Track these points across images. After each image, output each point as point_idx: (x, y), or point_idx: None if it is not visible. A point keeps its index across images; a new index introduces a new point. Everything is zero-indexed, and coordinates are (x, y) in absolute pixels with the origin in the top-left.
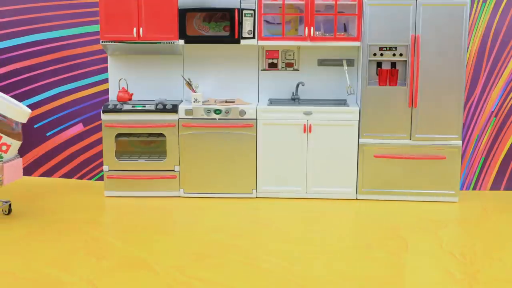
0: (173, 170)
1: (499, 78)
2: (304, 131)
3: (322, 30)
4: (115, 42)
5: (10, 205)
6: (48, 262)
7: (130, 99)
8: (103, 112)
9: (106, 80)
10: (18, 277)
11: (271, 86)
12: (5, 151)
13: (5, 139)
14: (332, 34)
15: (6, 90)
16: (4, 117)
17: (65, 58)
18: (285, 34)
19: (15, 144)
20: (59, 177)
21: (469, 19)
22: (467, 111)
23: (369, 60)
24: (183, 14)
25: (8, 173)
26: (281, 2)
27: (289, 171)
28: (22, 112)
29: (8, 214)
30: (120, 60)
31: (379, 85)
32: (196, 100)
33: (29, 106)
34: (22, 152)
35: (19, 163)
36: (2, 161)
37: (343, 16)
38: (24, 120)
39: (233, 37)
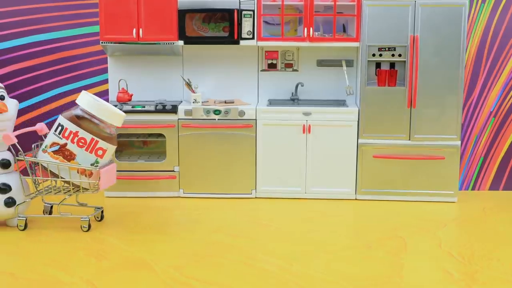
0: (173, 171)
1: (498, 79)
2: (304, 132)
3: (321, 31)
4: (115, 43)
5: (102, 211)
6: (48, 262)
7: (130, 100)
8: None
9: (106, 81)
10: (18, 277)
11: (271, 86)
12: (101, 156)
13: (101, 143)
14: (331, 34)
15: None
16: (101, 121)
17: (65, 59)
18: (284, 35)
19: (111, 148)
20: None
21: (468, 20)
22: (466, 112)
23: (368, 61)
24: (183, 15)
25: (104, 178)
26: (280, 2)
27: (289, 172)
28: (118, 115)
29: (100, 220)
30: (120, 61)
31: (378, 85)
32: (195, 101)
33: (29, 106)
34: None
35: (114, 168)
36: (97, 166)
37: (342, 17)
38: (120, 124)
39: (233, 38)
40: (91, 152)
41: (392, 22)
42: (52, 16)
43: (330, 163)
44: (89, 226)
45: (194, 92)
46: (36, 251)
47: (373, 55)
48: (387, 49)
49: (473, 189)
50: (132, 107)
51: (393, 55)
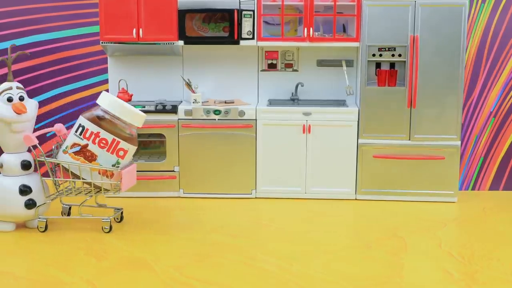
0: (173, 171)
1: (498, 79)
2: (304, 132)
3: (321, 31)
4: (115, 43)
5: (122, 212)
6: (48, 262)
7: (130, 100)
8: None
9: (106, 81)
10: (18, 277)
11: (271, 86)
12: (122, 157)
13: (123, 144)
14: (331, 34)
15: None
16: (123, 121)
17: (65, 59)
18: (285, 35)
19: (132, 149)
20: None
21: (468, 20)
22: (466, 112)
23: (368, 61)
24: (183, 15)
25: (125, 179)
26: (280, 3)
27: (289, 172)
28: (138, 116)
29: (120, 221)
30: (120, 61)
31: (378, 85)
32: (195, 101)
33: None
34: None
35: (135, 168)
36: (119, 167)
37: (342, 17)
38: (140, 124)
39: (233, 38)
40: (112, 153)
41: (392, 22)
42: (52, 16)
43: (330, 163)
44: (110, 227)
45: (194, 92)
46: (36, 251)
47: (373, 55)
48: (387, 49)
49: (473, 189)
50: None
51: (393, 55)
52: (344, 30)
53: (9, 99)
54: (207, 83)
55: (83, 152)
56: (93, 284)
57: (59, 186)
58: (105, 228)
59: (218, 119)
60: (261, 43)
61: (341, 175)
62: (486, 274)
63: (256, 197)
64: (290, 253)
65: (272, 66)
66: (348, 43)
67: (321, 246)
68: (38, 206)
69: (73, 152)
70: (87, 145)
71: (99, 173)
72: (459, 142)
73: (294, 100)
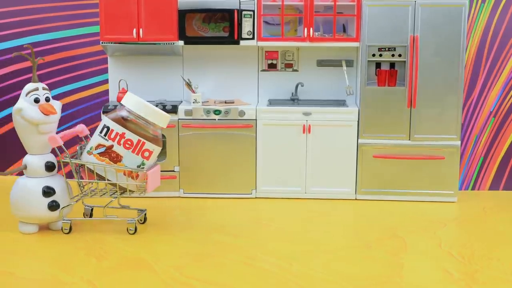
0: (173, 171)
1: (498, 78)
2: (304, 132)
3: (321, 31)
4: (115, 43)
5: (145, 214)
6: (48, 262)
7: None
8: (103, 112)
9: (106, 81)
10: (18, 277)
11: (271, 86)
12: (147, 158)
13: (148, 145)
14: (331, 34)
15: (7, 90)
16: (148, 122)
17: (65, 59)
18: (285, 35)
19: (157, 150)
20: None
21: (468, 20)
22: (466, 111)
23: (368, 61)
24: (183, 15)
25: (151, 180)
26: (280, 3)
27: (289, 172)
28: (164, 116)
29: (143, 223)
30: (120, 61)
31: (378, 85)
32: (195, 101)
33: None
34: (22, 153)
35: (159, 169)
36: (144, 168)
37: (342, 17)
38: (165, 125)
39: (233, 38)
40: (137, 154)
41: (392, 22)
42: (52, 16)
43: (330, 163)
44: (136, 228)
45: (194, 92)
46: (37, 251)
47: (373, 55)
48: (387, 49)
49: (473, 189)
50: None
51: (393, 55)
52: (344, 30)
53: (36, 100)
54: (207, 83)
55: (108, 153)
56: (93, 284)
57: (84, 188)
58: (130, 229)
59: (218, 119)
60: (261, 43)
61: (341, 175)
62: (486, 274)
63: (256, 197)
64: (290, 253)
65: (272, 66)
66: (348, 43)
67: (321, 246)
68: (62, 207)
69: (98, 153)
70: (112, 146)
71: (124, 174)
72: (459, 142)
73: (294, 100)
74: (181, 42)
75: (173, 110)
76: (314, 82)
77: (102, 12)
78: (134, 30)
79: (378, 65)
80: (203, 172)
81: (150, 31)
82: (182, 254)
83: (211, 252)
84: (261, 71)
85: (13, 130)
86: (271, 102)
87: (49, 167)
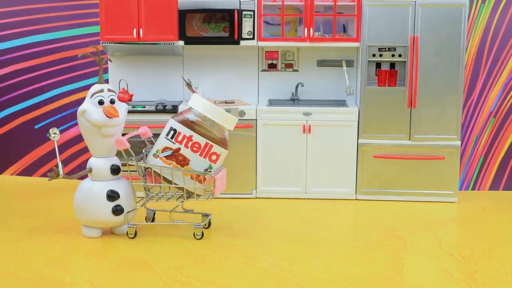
0: None
1: (498, 79)
2: (304, 132)
3: (321, 31)
4: (115, 43)
5: (210, 218)
6: (48, 262)
7: (130, 100)
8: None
9: (106, 81)
10: (18, 277)
11: (271, 86)
12: (215, 161)
13: (216, 148)
14: (331, 35)
15: (7, 90)
16: (216, 124)
17: (65, 59)
18: (285, 35)
19: (224, 153)
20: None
21: (468, 20)
22: (466, 112)
23: (368, 61)
24: (183, 15)
25: (218, 184)
26: (280, 3)
27: (289, 172)
28: (231, 119)
29: (208, 227)
30: (120, 61)
31: (378, 85)
32: None
33: (30, 107)
34: (22, 153)
35: (225, 173)
36: (211, 171)
37: (342, 17)
38: (232, 128)
39: (233, 38)
40: (205, 157)
41: (392, 22)
42: (52, 16)
43: (330, 163)
44: (202, 234)
45: (194, 92)
46: (36, 250)
47: (373, 55)
48: (387, 49)
49: (473, 189)
50: (133, 107)
51: (393, 55)
52: (344, 30)
53: (100, 102)
54: (208, 83)
55: (175, 156)
56: (94, 284)
57: (149, 191)
58: (197, 235)
59: None
60: (261, 43)
61: (341, 175)
62: (486, 274)
63: (256, 197)
64: (290, 253)
65: (272, 66)
66: (348, 43)
67: (321, 246)
68: (128, 212)
69: (164, 156)
70: (179, 149)
71: (192, 178)
72: (459, 142)
73: (294, 100)
74: (181, 42)
75: (173, 110)
76: (314, 82)
77: (102, 12)
78: (134, 30)
79: (378, 65)
80: None
81: (150, 31)
82: (182, 254)
83: (211, 252)
84: (261, 71)
85: (13, 130)
86: (271, 102)
87: (115, 170)
